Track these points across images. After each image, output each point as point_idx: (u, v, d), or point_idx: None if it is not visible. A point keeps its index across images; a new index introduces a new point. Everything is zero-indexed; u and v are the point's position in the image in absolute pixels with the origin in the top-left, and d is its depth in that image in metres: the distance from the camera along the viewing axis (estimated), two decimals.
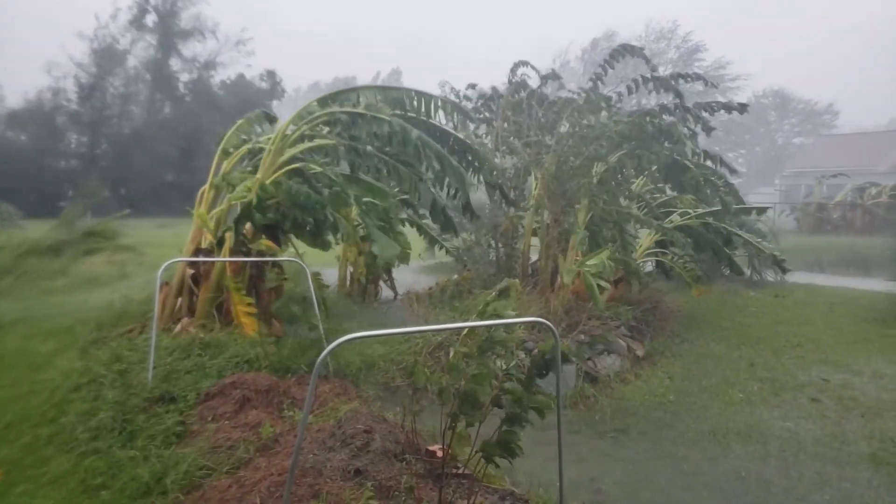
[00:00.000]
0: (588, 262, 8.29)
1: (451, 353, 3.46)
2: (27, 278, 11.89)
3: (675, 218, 10.48)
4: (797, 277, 14.63)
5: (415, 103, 8.13)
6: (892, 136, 47.02)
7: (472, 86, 12.65)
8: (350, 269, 10.45)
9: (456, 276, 11.44)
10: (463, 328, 3.70)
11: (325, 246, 7.46)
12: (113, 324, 7.46)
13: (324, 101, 7.78)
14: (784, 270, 11.57)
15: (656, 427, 5.97)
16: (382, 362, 6.87)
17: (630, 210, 9.48)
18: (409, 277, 12.07)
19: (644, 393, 6.94)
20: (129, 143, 35.92)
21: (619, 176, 9.36)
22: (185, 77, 42.21)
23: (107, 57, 38.75)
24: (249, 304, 6.61)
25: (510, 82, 11.57)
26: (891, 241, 17.44)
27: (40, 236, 14.28)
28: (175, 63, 41.88)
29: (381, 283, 10.92)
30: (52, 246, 14.03)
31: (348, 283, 10.51)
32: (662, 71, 44.50)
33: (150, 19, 40.67)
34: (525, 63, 11.77)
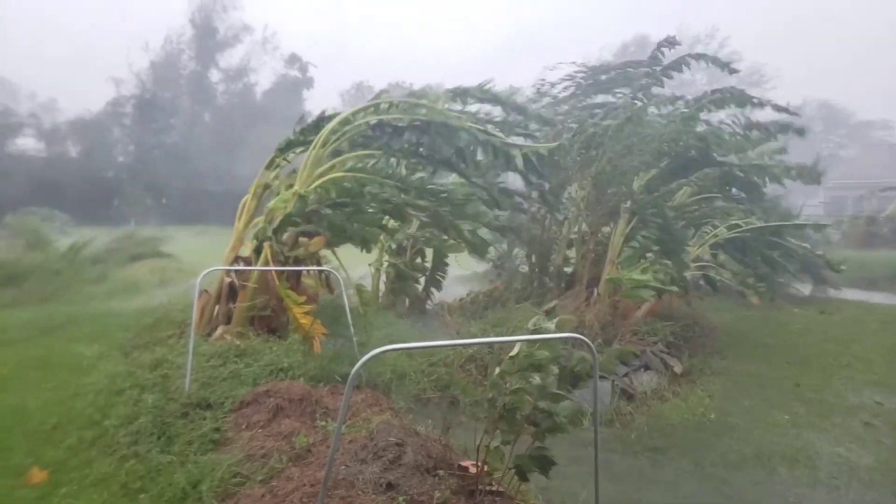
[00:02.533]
0: (632, 275, 8.09)
1: (494, 370, 3.42)
2: (74, 283, 12.29)
3: (722, 231, 10.14)
4: (844, 294, 14.12)
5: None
6: None
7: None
8: (383, 277, 10.50)
9: (489, 287, 11.37)
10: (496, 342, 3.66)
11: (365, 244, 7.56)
12: (153, 329, 7.63)
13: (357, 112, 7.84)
14: (836, 270, 11.17)
15: (696, 447, 5.77)
16: (413, 373, 6.85)
17: (675, 220, 9.13)
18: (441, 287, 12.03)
19: (683, 411, 6.72)
20: (170, 153, 37.07)
21: (665, 186, 9.13)
22: (221, 87, 43.26)
23: (152, 71, 40.24)
24: (304, 305, 6.67)
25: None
26: None
27: (86, 242, 14.76)
28: (213, 74, 42.97)
29: (415, 292, 10.92)
30: (96, 252, 14.52)
31: (381, 292, 10.54)
32: (698, 79, 43.29)
33: (189, 32, 41.80)
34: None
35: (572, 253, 10.91)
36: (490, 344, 6.92)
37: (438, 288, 11.18)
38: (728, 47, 55.77)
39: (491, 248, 11.55)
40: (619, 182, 8.86)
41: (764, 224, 10.24)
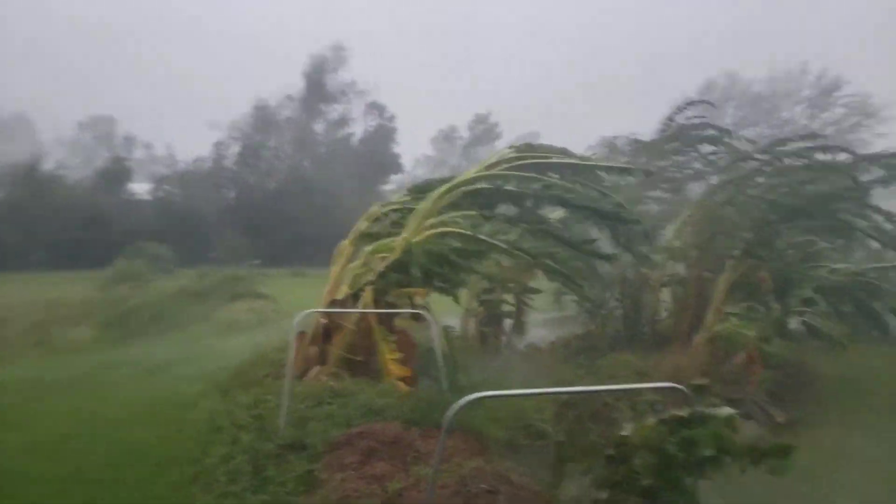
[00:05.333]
0: (736, 327, 7.85)
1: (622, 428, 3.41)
2: (176, 322, 13.09)
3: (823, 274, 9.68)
4: None
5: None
6: None
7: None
8: (473, 320, 10.54)
9: (582, 331, 11.17)
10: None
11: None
12: (251, 369, 7.97)
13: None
14: None
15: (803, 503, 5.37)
16: (505, 418, 6.77)
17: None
18: (530, 330, 11.93)
19: None
20: (270, 198, 39.05)
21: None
22: (323, 137, 45.13)
23: (259, 120, 42.87)
24: (395, 352, 6.85)
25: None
26: None
27: (187, 283, 15.73)
28: (318, 125, 45.01)
29: (503, 334, 10.91)
30: (197, 293, 15.45)
31: (470, 334, 10.58)
32: (798, 111, 41.10)
33: (299, 84, 44.08)
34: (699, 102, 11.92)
35: (664, 295, 10.72)
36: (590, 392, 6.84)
37: (523, 331, 11.11)
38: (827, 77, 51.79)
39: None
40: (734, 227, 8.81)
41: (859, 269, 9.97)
